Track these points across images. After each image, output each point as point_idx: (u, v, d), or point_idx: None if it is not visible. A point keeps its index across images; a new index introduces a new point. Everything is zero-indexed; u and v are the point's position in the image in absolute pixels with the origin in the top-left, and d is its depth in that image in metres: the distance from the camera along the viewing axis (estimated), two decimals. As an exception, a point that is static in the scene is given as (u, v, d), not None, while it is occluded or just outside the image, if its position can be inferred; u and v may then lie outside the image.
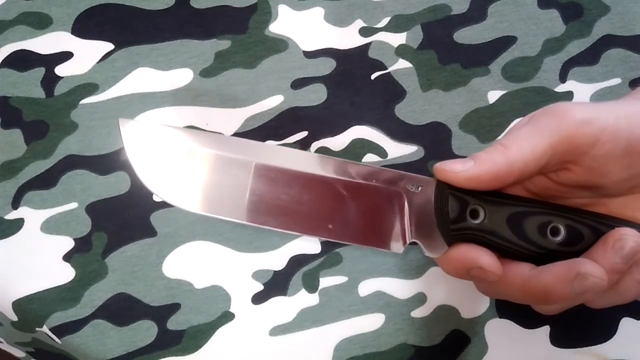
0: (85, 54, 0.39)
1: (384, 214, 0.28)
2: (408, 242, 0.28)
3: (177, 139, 0.28)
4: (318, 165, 0.28)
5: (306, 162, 0.28)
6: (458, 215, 0.27)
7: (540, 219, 0.28)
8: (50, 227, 0.35)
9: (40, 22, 0.39)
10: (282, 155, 0.29)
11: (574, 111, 0.27)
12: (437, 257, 0.28)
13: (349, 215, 0.28)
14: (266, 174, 0.28)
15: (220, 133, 0.37)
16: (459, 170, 0.27)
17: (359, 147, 0.37)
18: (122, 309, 0.34)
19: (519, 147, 0.27)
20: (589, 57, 0.38)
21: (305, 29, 0.39)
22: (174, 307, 0.34)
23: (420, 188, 0.28)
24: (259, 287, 0.34)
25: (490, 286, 0.28)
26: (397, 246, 0.28)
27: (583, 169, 0.28)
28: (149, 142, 0.28)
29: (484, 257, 0.27)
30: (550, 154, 0.27)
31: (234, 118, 0.37)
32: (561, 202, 0.29)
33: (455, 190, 0.28)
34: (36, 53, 0.39)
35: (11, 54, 0.39)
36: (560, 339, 0.33)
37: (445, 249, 0.28)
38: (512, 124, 0.37)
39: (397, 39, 0.39)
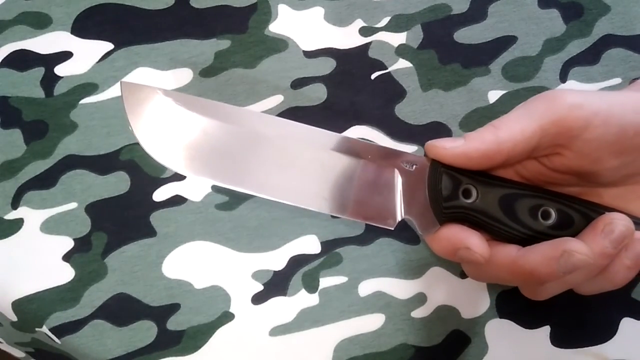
0: (85, 54, 0.39)
1: (377, 189, 0.28)
2: (400, 218, 0.28)
3: (178, 103, 0.28)
4: (313, 137, 0.28)
5: (302, 134, 0.28)
6: (451, 194, 0.28)
7: (531, 201, 0.28)
8: (49, 227, 0.35)
9: (40, 22, 0.39)
10: (277, 125, 0.29)
11: (566, 96, 0.27)
12: (428, 235, 0.28)
13: (343, 189, 0.28)
14: (260, 142, 0.28)
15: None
16: (448, 146, 0.27)
17: (359, 147, 0.37)
18: (122, 309, 0.34)
19: (509, 127, 0.27)
20: (590, 56, 0.38)
21: (305, 29, 0.39)
22: (173, 308, 0.34)
23: (414, 167, 0.28)
24: (259, 287, 0.34)
25: (478, 268, 0.28)
26: (388, 222, 0.28)
27: (574, 154, 0.28)
28: (150, 105, 0.28)
29: (472, 239, 0.27)
30: (540, 136, 0.27)
31: (233, 118, 0.37)
32: (554, 189, 0.30)
33: (449, 169, 0.28)
34: (36, 53, 0.39)
35: (11, 53, 0.39)
36: (560, 339, 0.33)
37: (436, 228, 0.28)
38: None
39: (397, 38, 0.39)
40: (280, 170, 0.28)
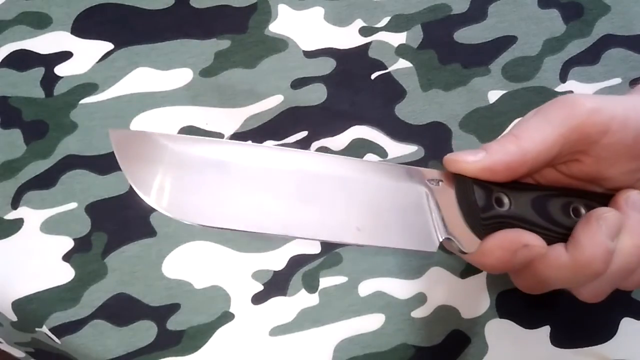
0: (85, 54, 0.39)
1: (410, 212, 0.27)
2: (441, 238, 0.27)
3: (170, 146, 0.26)
4: (333, 165, 0.27)
5: (321, 163, 0.27)
6: (485, 204, 0.26)
7: (561, 200, 0.28)
8: (49, 227, 0.35)
9: (40, 22, 0.39)
10: (291, 157, 0.27)
11: (584, 101, 0.27)
12: (471, 252, 0.27)
13: (375, 216, 0.26)
14: (277, 178, 0.26)
15: (219, 135, 0.37)
16: (471, 160, 0.26)
17: (358, 147, 0.37)
18: (122, 309, 0.34)
19: (531, 137, 0.27)
20: (590, 56, 0.38)
21: (305, 29, 0.39)
22: (173, 307, 0.34)
23: (440, 183, 0.27)
24: (259, 287, 0.34)
25: (535, 273, 0.27)
26: (429, 245, 0.26)
27: (592, 159, 0.28)
28: (141, 151, 0.26)
29: (525, 235, 0.26)
30: (562, 144, 0.27)
31: (233, 118, 0.37)
32: None
33: (478, 180, 0.27)
34: (36, 53, 0.39)
35: (11, 53, 0.39)
36: (560, 339, 0.33)
37: (476, 243, 0.26)
38: (513, 123, 0.37)
39: (397, 38, 0.39)
40: (303, 205, 0.26)
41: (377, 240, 0.26)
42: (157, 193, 0.25)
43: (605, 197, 0.28)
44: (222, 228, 0.25)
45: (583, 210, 0.28)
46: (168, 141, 0.26)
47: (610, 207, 0.27)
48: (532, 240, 0.26)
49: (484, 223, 0.26)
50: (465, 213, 0.27)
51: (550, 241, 0.27)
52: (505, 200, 0.27)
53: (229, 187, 0.25)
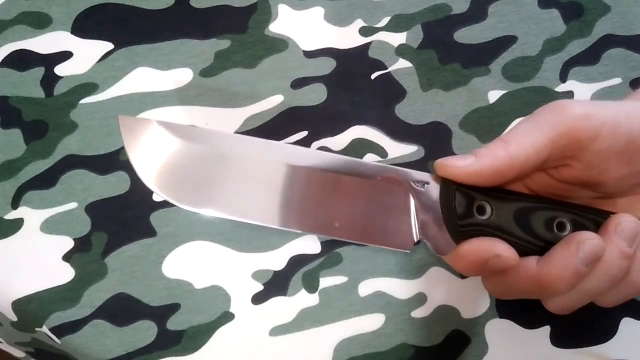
0: (85, 54, 0.39)
1: (390, 211, 0.28)
2: (415, 240, 0.28)
3: (178, 136, 0.28)
4: (322, 161, 0.28)
5: (309, 158, 0.28)
6: (465, 211, 0.27)
7: (546, 214, 0.28)
8: (49, 227, 0.35)
9: (40, 22, 0.39)
10: (285, 151, 0.28)
11: (574, 106, 0.27)
12: (445, 255, 0.28)
13: (355, 213, 0.28)
14: (269, 170, 0.27)
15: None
16: (460, 165, 0.27)
17: (359, 147, 0.37)
18: (122, 309, 0.34)
19: (520, 141, 0.27)
20: (590, 56, 0.38)
21: (305, 29, 0.39)
22: (173, 307, 0.34)
23: (425, 186, 0.28)
24: (259, 287, 0.34)
25: (504, 283, 0.28)
26: (404, 244, 0.28)
27: (583, 165, 0.28)
28: (150, 139, 0.28)
29: (498, 245, 0.27)
30: (551, 148, 0.27)
31: (233, 118, 0.37)
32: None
33: (462, 186, 0.27)
34: (36, 53, 0.39)
35: (11, 53, 0.39)
36: (560, 339, 0.33)
37: (453, 247, 0.27)
38: (513, 123, 0.37)
39: (397, 38, 0.39)
40: (287, 198, 0.27)
41: (353, 236, 0.28)
42: (155, 176, 0.27)
43: (596, 214, 0.28)
44: (209, 214, 0.27)
45: (569, 226, 0.28)
46: (169, 130, 0.28)
47: (602, 232, 0.27)
48: (504, 251, 0.27)
49: (460, 230, 0.27)
50: (445, 217, 0.27)
51: (528, 253, 0.28)
52: (488, 208, 0.27)
53: (221, 176, 0.27)
